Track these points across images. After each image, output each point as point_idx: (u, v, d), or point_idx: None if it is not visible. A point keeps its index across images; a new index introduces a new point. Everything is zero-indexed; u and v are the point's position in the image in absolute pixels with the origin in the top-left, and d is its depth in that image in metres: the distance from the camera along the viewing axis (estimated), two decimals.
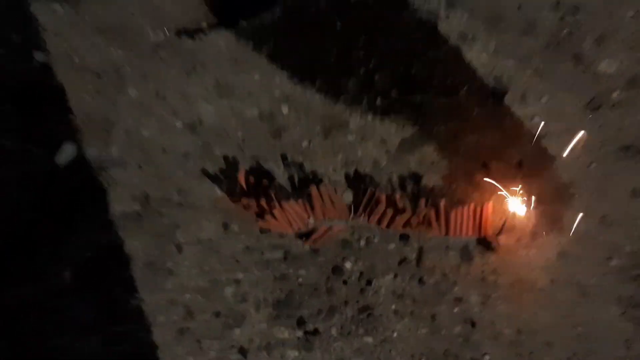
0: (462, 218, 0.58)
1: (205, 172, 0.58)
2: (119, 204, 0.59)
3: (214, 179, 0.60)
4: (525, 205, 0.58)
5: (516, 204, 0.59)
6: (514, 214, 0.59)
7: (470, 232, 0.58)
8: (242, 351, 0.56)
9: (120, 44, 0.65)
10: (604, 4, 0.63)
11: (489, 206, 0.58)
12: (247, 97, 0.64)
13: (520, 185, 0.58)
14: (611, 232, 0.58)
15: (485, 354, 0.57)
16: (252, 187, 0.55)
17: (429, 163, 0.60)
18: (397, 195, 0.57)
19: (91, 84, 0.65)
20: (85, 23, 0.66)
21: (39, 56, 0.65)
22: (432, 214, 0.56)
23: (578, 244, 0.59)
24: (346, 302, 0.59)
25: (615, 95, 0.62)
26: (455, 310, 0.58)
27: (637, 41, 0.62)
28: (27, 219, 0.60)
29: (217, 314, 0.57)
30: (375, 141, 0.60)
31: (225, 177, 0.59)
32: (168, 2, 0.67)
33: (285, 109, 0.60)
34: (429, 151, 0.59)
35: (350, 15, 0.65)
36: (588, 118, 0.62)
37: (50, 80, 0.64)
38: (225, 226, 0.59)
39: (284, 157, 0.59)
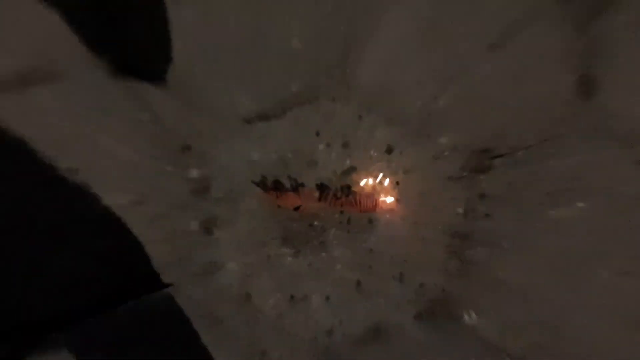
0: (368, 203, 1.13)
1: (253, 182, 1.14)
2: (216, 193, 1.15)
3: (257, 184, 1.14)
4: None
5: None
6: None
7: (372, 210, 1.12)
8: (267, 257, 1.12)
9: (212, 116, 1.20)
10: None
11: (380, 200, 1.12)
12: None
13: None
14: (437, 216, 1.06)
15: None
16: (274, 187, 1.11)
17: (356, 182, 1.14)
18: (338, 193, 1.12)
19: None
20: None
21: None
22: (353, 200, 1.12)
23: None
24: (313, 239, 1.13)
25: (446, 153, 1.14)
26: (367, 244, 1.10)
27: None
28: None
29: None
30: (331, 171, 1.14)
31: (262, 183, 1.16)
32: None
33: (290, 155, 1.16)
34: (355, 176, 1.14)
35: None
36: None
37: None
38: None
39: (289, 176, 1.05)
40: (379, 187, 1.06)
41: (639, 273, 1.00)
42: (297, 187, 1.04)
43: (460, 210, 1.04)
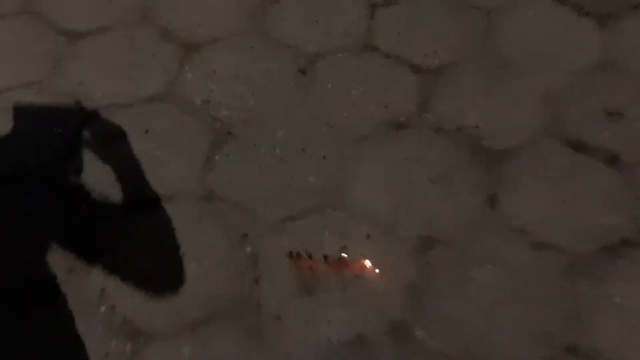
0: (353, 267, 1.71)
1: (286, 254, 1.71)
2: (261, 261, 1.75)
3: (288, 256, 1.70)
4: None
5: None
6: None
7: (356, 271, 1.69)
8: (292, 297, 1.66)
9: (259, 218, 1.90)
10: None
11: (362, 265, 1.70)
12: None
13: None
14: (398, 275, 1.65)
15: None
16: (297, 257, 1.70)
17: (347, 254, 1.73)
18: (336, 261, 1.71)
19: None
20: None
21: None
22: (345, 265, 1.70)
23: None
24: (321, 287, 1.69)
25: (403, 239, 1.79)
26: (353, 290, 1.62)
27: None
28: None
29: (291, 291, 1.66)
30: (332, 249, 1.76)
31: (290, 255, 1.73)
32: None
33: (306, 240, 1.79)
34: (346, 251, 1.75)
35: None
36: None
37: None
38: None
39: (306, 251, 1.75)
40: (361, 258, 1.69)
41: (536, 313, 1.55)
42: (311, 258, 1.67)
43: (414, 273, 1.64)
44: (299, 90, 1.90)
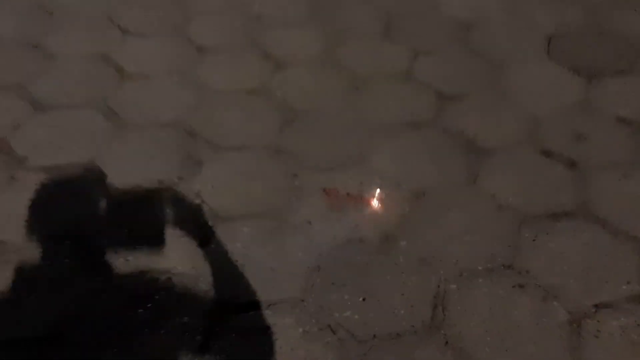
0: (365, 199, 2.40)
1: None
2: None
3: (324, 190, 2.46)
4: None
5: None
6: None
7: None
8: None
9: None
10: None
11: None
12: None
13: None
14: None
15: None
16: (328, 191, 2.41)
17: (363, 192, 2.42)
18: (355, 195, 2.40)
19: None
20: None
21: None
22: (360, 198, 2.38)
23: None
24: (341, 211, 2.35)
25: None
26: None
27: None
28: None
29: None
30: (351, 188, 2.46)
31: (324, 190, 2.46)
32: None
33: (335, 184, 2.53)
34: (364, 191, 2.46)
35: None
36: None
37: None
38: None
39: (335, 188, 2.43)
40: (372, 196, 2.42)
41: (488, 242, 2.21)
42: (338, 192, 2.43)
43: (407, 209, 2.37)
44: (348, 95, 2.74)
